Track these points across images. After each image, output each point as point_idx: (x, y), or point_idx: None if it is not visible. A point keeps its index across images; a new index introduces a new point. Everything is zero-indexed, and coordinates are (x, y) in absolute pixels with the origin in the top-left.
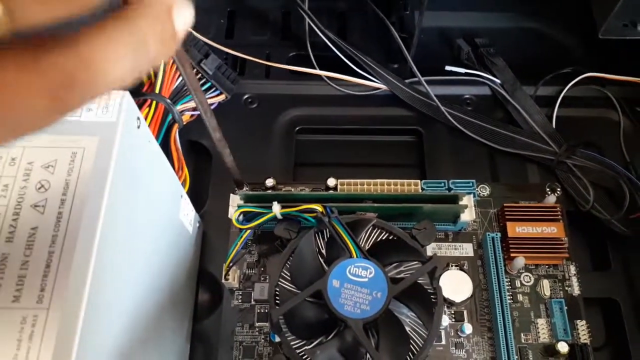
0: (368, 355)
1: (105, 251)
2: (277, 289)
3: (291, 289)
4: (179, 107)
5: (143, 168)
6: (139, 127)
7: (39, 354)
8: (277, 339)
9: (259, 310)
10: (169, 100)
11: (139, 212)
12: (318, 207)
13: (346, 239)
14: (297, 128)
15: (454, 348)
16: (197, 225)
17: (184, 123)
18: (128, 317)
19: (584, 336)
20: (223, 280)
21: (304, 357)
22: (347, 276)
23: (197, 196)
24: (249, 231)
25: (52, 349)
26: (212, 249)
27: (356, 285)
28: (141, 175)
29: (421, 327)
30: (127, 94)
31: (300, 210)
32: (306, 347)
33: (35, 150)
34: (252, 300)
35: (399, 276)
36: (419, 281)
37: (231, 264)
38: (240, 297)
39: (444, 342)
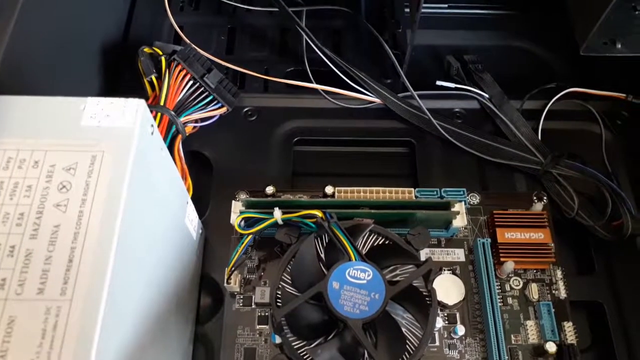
0: (367, 355)
1: (122, 248)
2: (279, 292)
3: (292, 291)
4: (183, 119)
5: (155, 173)
6: (152, 133)
7: (62, 343)
8: (278, 341)
9: (259, 314)
10: (173, 113)
11: (150, 215)
12: (318, 213)
13: (345, 243)
14: (294, 139)
15: (447, 349)
16: (200, 231)
17: (187, 134)
18: (139, 315)
19: (570, 337)
20: (225, 284)
21: (305, 357)
22: (346, 278)
23: (198, 204)
24: (250, 237)
25: (75, 338)
26: (213, 255)
27: (355, 287)
28: (153, 180)
29: (416, 328)
30: (143, 102)
31: (301, 215)
32: (307, 348)
33: (57, 154)
34: (253, 303)
35: (395, 279)
36: (415, 284)
37: (233, 269)
38: (242, 300)
39: (437, 343)
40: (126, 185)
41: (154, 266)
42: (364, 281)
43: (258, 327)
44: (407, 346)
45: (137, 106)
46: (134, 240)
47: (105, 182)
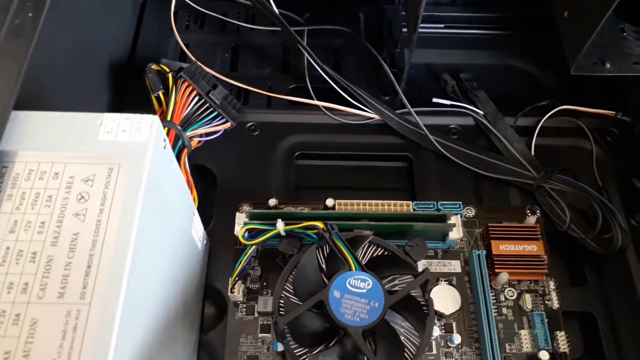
0: None
1: (137, 255)
2: (282, 301)
3: (294, 300)
4: (189, 134)
5: (166, 184)
6: (164, 147)
7: (82, 343)
8: (280, 349)
9: (262, 322)
10: (179, 127)
11: (161, 225)
12: (319, 224)
13: (346, 253)
14: (296, 153)
15: (444, 357)
16: (205, 242)
17: (192, 148)
18: (150, 320)
19: (563, 346)
20: (229, 293)
21: None
22: (347, 287)
23: (202, 217)
24: (253, 247)
25: (94, 338)
26: (217, 265)
27: (355, 296)
28: (165, 191)
29: (414, 336)
30: (157, 118)
31: (303, 227)
32: (309, 355)
33: (76, 166)
34: (256, 312)
35: (393, 289)
36: (412, 293)
37: (237, 278)
38: (245, 309)
39: (434, 351)
40: (141, 196)
41: (163, 274)
42: (364, 290)
43: (260, 335)
44: (406, 354)
45: (151, 122)
46: (147, 248)
47: (122, 193)
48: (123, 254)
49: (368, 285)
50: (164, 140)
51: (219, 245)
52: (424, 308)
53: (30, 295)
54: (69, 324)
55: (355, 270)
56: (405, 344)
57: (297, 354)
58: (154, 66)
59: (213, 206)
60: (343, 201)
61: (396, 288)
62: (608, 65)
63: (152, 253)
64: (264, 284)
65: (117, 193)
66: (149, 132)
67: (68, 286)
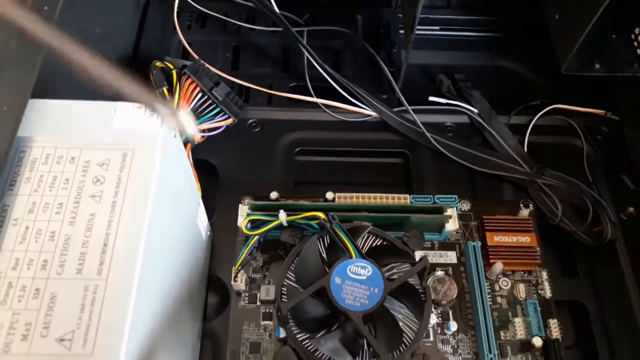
0: (366, 346)
1: (150, 236)
2: (284, 288)
3: (296, 287)
4: None
5: (175, 172)
6: (175, 136)
7: (100, 316)
8: (282, 335)
9: (264, 310)
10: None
11: (171, 210)
12: (321, 215)
13: (346, 241)
14: (296, 149)
15: (441, 344)
16: (209, 233)
17: (195, 143)
18: (159, 301)
19: (555, 332)
20: (232, 282)
21: (309, 348)
22: (347, 274)
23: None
24: (255, 238)
25: (111, 311)
26: (219, 256)
27: (356, 282)
28: (174, 178)
29: (413, 323)
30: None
31: (305, 217)
32: (310, 339)
33: (92, 151)
34: (258, 301)
35: (392, 277)
36: (411, 282)
37: (240, 267)
38: (247, 298)
39: (432, 338)
40: (154, 179)
41: (172, 258)
42: (364, 277)
43: (263, 323)
44: (404, 339)
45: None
46: (159, 230)
47: (136, 176)
48: (138, 233)
49: (368, 272)
50: (174, 129)
51: (221, 237)
52: (422, 295)
53: (50, 271)
54: (87, 298)
55: (356, 258)
56: (404, 329)
57: (300, 339)
58: (158, 63)
59: (215, 200)
60: (342, 195)
61: (395, 277)
62: (598, 66)
63: (163, 236)
64: (266, 273)
65: (132, 177)
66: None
67: (85, 263)
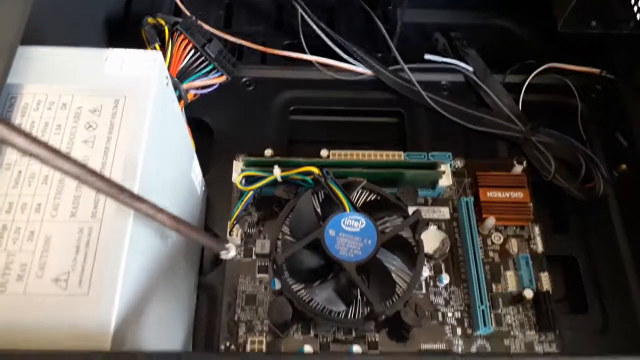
0: (359, 296)
1: (143, 180)
2: (279, 241)
3: (291, 240)
4: (185, 86)
5: (168, 122)
6: (167, 84)
7: (95, 257)
8: (278, 286)
9: (259, 264)
10: (176, 79)
11: (165, 158)
12: (315, 170)
13: (340, 195)
14: (290, 108)
15: (433, 296)
16: (203, 188)
17: (189, 100)
18: (153, 249)
19: (546, 285)
20: (228, 236)
21: (303, 298)
22: (341, 227)
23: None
24: (250, 193)
25: (106, 253)
26: (215, 212)
27: (349, 234)
28: (167, 127)
29: (405, 275)
30: (159, 53)
31: (299, 172)
32: (305, 289)
33: (83, 98)
34: (254, 255)
35: (385, 230)
36: (404, 235)
37: (235, 222)
38: (242, 252)
39: (424, 290)
40: (147, 125)
41: (166, 206)
42: (358, 229)
43: (258, 275)
44: (397, 290)
45: (154, 57)
46: (152, 176)
47: (128, 122)
48: (131, 177)
49: (361, 224)
50: (167, 77)
51: (216, 194)
52: (415, 248)
53: (44, 214)
54: (82, 240)
55: (350, 211)
56: (397, 281)
57: (295, 289)
58: (150, 19)
59: (209, 158)
60: (337, 152)
61: (388, 230)
62: (594, 23)
63: (156, 183)
64: (261, 229)
65: (124, 123)
66: (153, 66)
67: (80, 206)
